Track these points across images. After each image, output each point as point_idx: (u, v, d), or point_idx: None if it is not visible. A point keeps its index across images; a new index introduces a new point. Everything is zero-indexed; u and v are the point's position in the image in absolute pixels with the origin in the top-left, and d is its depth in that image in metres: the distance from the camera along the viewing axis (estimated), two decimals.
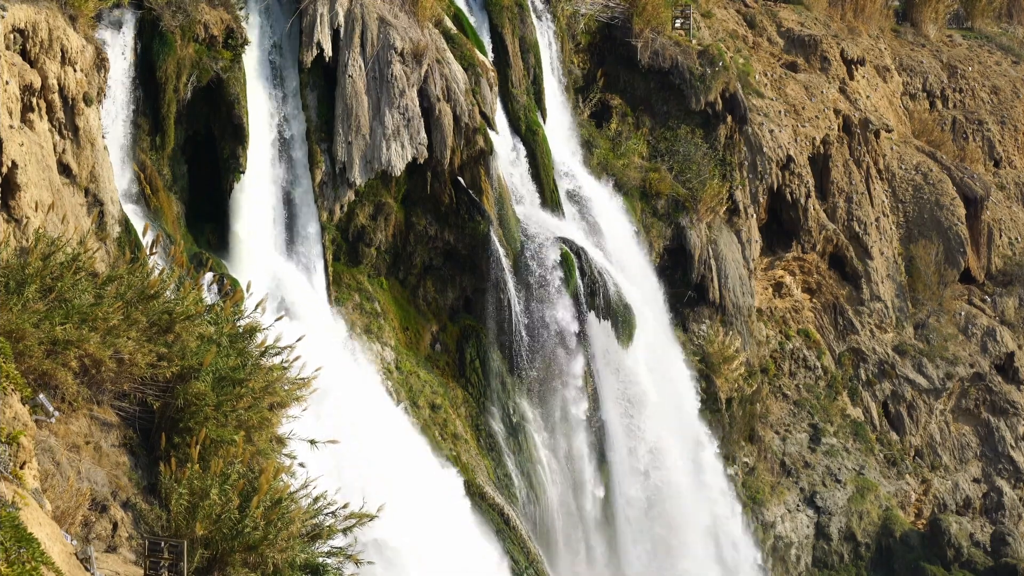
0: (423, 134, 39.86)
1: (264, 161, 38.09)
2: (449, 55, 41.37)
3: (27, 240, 25.21)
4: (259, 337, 23.58)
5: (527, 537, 40.10)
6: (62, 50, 30.58)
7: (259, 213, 37.93)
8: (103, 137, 32.68)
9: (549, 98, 47.38)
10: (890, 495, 54.51)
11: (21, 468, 17.12)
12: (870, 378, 57.10)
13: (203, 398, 21.07)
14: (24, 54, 29.88)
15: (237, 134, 36.86)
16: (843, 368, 56.89)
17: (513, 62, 45.39)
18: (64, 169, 30.90)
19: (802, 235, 55.74)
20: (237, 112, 36.66)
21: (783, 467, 53.01)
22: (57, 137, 30.78)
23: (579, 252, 43.66)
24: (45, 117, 30.33)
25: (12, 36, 29.39)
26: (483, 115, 41.68)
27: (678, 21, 53.79)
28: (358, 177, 39.29)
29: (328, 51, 38.79)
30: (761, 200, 54.13)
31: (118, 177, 33.91)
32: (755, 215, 53.49)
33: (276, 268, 37.86)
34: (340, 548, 21.14)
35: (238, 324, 23.73)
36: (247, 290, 30.61)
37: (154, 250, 25.22)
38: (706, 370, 49.03)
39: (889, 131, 61.04)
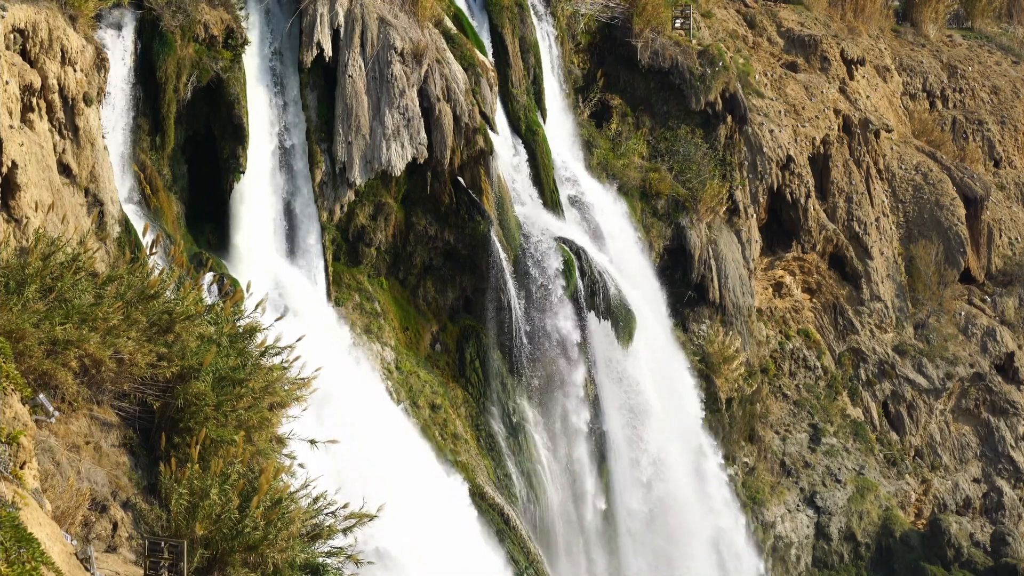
0: (423, 134, 39.86)
1: (264, 161, 38.09)
2: (449, 55, 41.37)
3: (27, 240, 25.20)
4: (259, 337, 23.57)
5: (527, 537, 40.10)
6: (62, 50, 30.58)
7: (259, 213, 37.93)
8: (103, 137, 32.68)
9: (549, 98, 47.38)
10: (890, 495, 54.51)
11: (21, 468, 17.12)
12: (870, 378, 57.11)
13: (203, 398, 21.06)
14: (24, 54, 29.88)
15: (237, 134, 36.85)
16: (843, 368, 56.90)
17: (513, 62, 45.39)
18: (64, 169, 30.90)
19: (802, 235, 55.74)
20: (237, 112, 36.66)
21: (783, 467, 53.02)
22: (57, 137, 30.78)
23: (579, 252, 43.66)
24: (45, 117, 30.34)
25: (12, 36, 29.39)
26: (483, 115, 41.68)
27: (678, 21, 53.79)
28: (358, 177, 39.29)
29: (328, 51, 38.79)
30: (761, 200, 54.13)
31: (118, 177, 33.90)
32: (755, 215, 53.50)
33: (276, 268, 37.85)
34: (340, 548, 21.13)
35: (238, 324, 23.73)
36: (247, 290, 30.60)
37: (154, 250, 25.20)
38: (706, 370, 49.02)
39: (889, 131, 61.05)
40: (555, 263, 42.53)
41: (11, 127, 28.12)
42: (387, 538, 31.67)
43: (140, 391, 21.79)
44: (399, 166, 39.57)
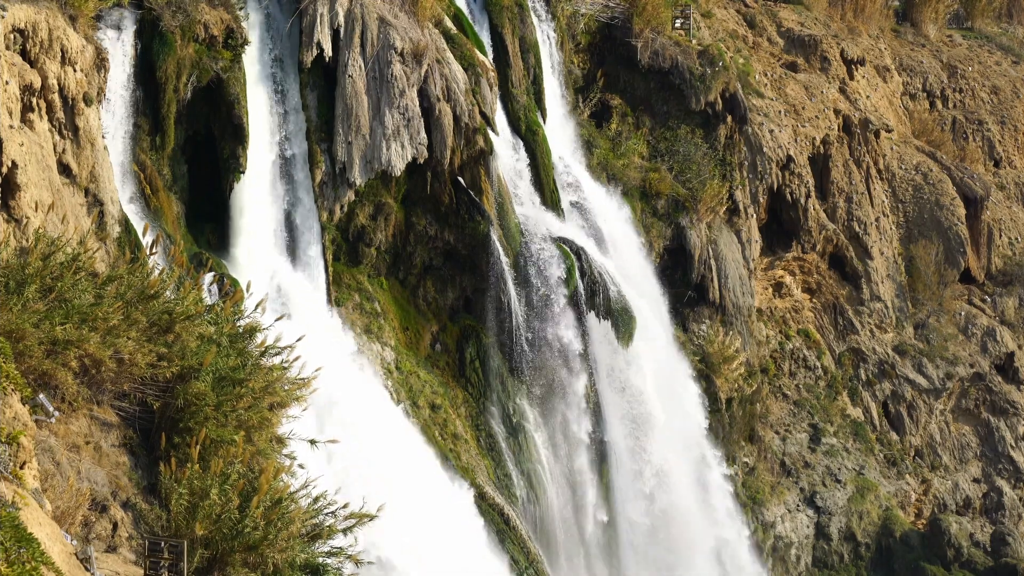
0: (423, 134, 39.86)
1: (264, 161, 38.09)
2: (449, 55, 41.37)
3: (27, 240, 25.20)
4: (259, 337, 23.56)
5: (527, 537, 40.10)
6: (62, 50, 30.58)
7: (259, 213, 37.92)
8: (103, 137, 32.68)
9: (549, 98, 47.37)
10: (890, 495, 54.51)
11: (21, 468, 17.12)
12: (870, 378, 57.10)
13: (203, 398, 21.06)
14: (24, 54, 29.88)
15: (237, 134, 36.86)
16: (843, 368, 56.89)
17: (513, 62, 45.38)
18: (64, 169, 30.91)
19: (802, 235, 55.74)
20: (237, 112, 36.66)
21: (783, 467, 53.01)
22: (57, 137, 30.78)
23: (579, 252, 43.66)
24: (45, 117, 30.34)
25: (12, 36, 29.40)
26: (483, 115, 41.68)
27: (678, 21, 53.79)
28: (358, 177, 39.29)
29: (328, 51, 38.79)
30: (761, 200, 54.13)
31: (118, 177, 33.90)
32: (755, 215, 53.49)
33: (276, 268, 37.86)
34: (340, 548, 21.13)
35: (238, 324, 23.72)
36: (247, 290, 30.60)
37: (154, 250, 25.20)
38: (706, 370, 49.00)
39: (889, 131, 61.04)
40: (557, 271, 42.45)
41: (11, 127, 28.13)
42: (390, 546, 31.54)
43: (140, 391, 21.79)
44: (399, 166, 39.57)
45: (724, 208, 51.34)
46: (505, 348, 42.32)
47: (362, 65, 39.32)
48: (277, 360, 23.34)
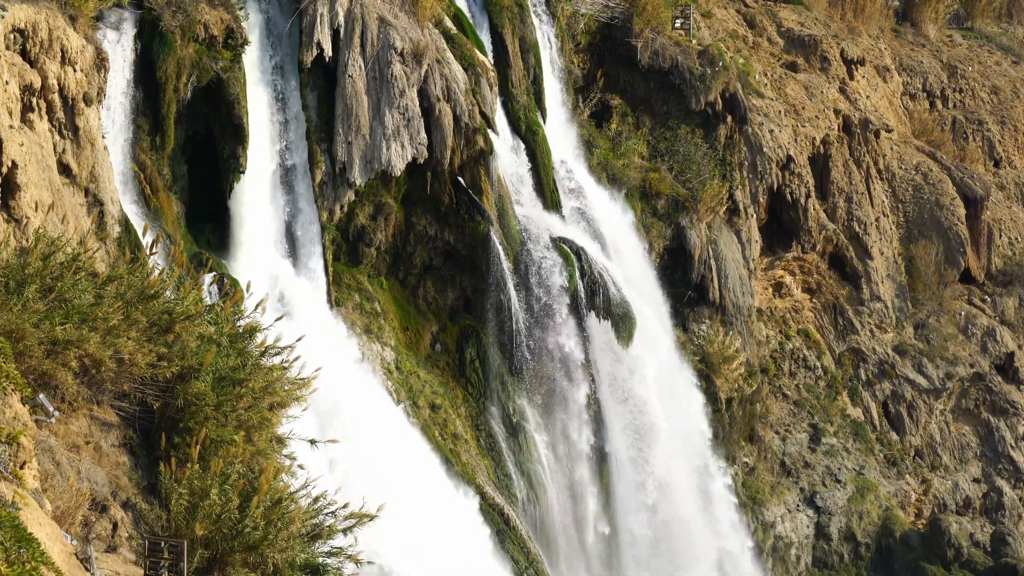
0: (423, 134, 39.86)
1: (264, 161, 38.09)
2: (449, 55, 41.37)
3: (27, 240, 25.20)
4: (259, 337, 23.56)
5: (527, 537, 40.09)
6: (62, 50, 30.58)
7: (259, 213, 37.92)
8: (103, 137, 32.68)
9: (549, 98, 47.37)
10: (890, 495, 54.51)
11: (21, 468, 17.12)
12: (870, 378, 57.10)
13: (203, 398, 21.06)
14: (24, 54, 29.88)
15: (237, 134, 36.86)
16: (843, 368, 56.89)
17: (513, 62, 45.38)
18: (64, 169, 30.91)
19: (802, 235, 55.74)
20: (237, 112, 36.66)
21: (783, 467, 53.01)
22: (57, 137, 30.79)
23: (579, 252, 43.65)
24: (45, 117, 30.34)
25: (12, 36, 29.40)
26: (483, 115, 41.68)
27: (678, 21, 53.78)
28: (358, 177, 39.28)
29: (328, 51, 38.79)
30: (761, 200, 54.12)
31: (118, 177, 33.90)
32: (755, 215, 53.49)
33: (276, 268, 37.86)
34: (340, 548, 21.12)
35: (238, 324, 23.72)
36: (247, 290, 30.60)
37: (154, 250, 25.20)
38: (706, 370, 48.98)
39: (889, 131, 61.04)
40: (559, 279, 42.37)
41: (11, 127, 28.13)
42: (391, 552, 31.41)
43: (140, 391, 21.79)
44: (399, 166, 39.57)
45: (724, 208, 51.35)
46: (505, 348, 42.32)
47: (362, 65, 39.32)
48: (277, 360, 23.34)
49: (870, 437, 55.79)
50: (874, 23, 65.91)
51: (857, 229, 57.61)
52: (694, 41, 52.92)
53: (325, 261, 39.21)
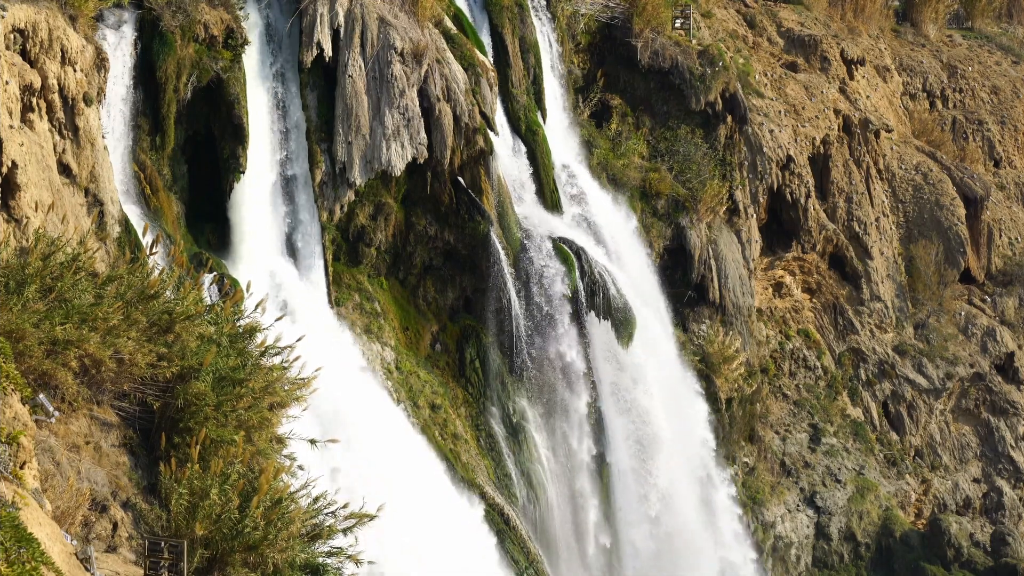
0: (423, 134, 39.86)
1: (264, 161, 38.09)
2: (449, 55, 41.37)
3: (27, 240, 25.20)
4: (259, 337, 23.56)
5: (527, 537, 40.09)
6: (62, 50, 30.58)
7: (259, 213, 37.92)
8: (103, 137, 32.68)
9: (549, 98, 47.37)
10: (890, 495, 54.51)
11: (21, 468, 17.12)
12: (870, 378, 57.10)
13: (203, 398, 21.06)
14: (24, 54, 29.88)
15: (237, 134, 36.86)
16: (843, 368, 56.89)
17: (513, 62, 45.38)
18: (64, 169, 30.90)
19: (802, 235, 55.74)
20: (237, 112, 36.66)
21: (783, 467, 53.00)
22: (57, 137, 30.78)
23: (579, 252, 43.64)
24: (45, 117, 30.34)
25: (12, 36, 29.40)
26: (483, 115, 41.68)
27: (678, 21, 53.78)
28: (358, 177, 39.28)
29: (328, 51, 38.79)
30: (761, 200, 54.13)
31: (118, 177, 33.90)
32: (755, 215, 53.49)
33: (276, 268, 37.85)
34: (340, 548, 21.12)
35: (238, 324, 23.72)
36: (247, 290, 30.60)
37: (154, 250, 25.20)
38: (706, 370, 48.98)
39: (889, 131, 61.05)
40: (561, 288, 42.30)
41: (11, 127, 28.13)
42: (391, 555, 31.29)
43: (140, 391, 21.79)
44: (399, 166, 39.57)
45: (724, 208, 51.34)
46: (505, 348, 42.31)
47: (362, 65, 39.32)
48: (277, 360, 23.34)
49: (870, 437, 55.79)
50: (874, 23, 65.92)
51: (857, 229, 57.61)
52: (694, 41, 52.92)
53: (325, 261, 39.21)
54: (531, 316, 42.11)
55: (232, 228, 37.36)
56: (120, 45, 34.74)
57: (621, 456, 43.74)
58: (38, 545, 15.21)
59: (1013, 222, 64.58)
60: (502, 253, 41.73)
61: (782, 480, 52.66)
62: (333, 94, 39.26)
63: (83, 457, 20.40)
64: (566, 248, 43.30)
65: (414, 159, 39.91)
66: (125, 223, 32.74)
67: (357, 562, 21.15)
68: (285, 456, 22.99)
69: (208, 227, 37.40)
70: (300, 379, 23.30)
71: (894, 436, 56.73)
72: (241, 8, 37.80)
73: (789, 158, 54.60)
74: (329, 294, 39.31)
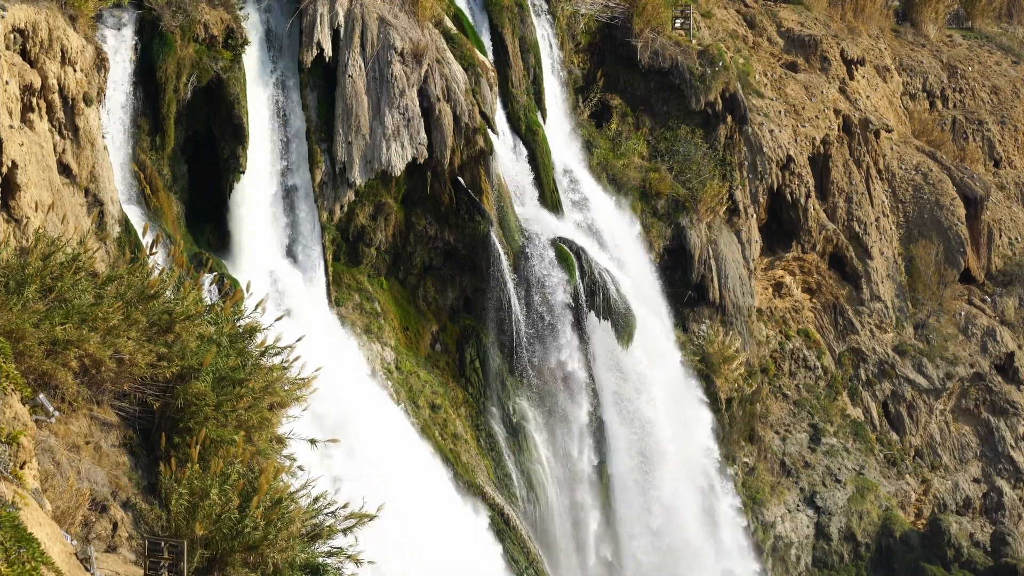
0: (423, 134, 39.86)
1: (264, 161, 38.08)
2: (449, 55, 41.37)
3: (27, 240, 25.21)
4: (259, 337, 23.56)
5: (527, 537, 40.08)
6: (62, 50, 30.58)
7: (259, 213, 37.91)
8: (103, 137, 32.68)
9: (549, 98, 47.37)
10: (890, 495, 54.50)
11: (21, 468, 17.12)
12: (870, 378, 57.10)
13: (203, 398, 21.06)
14: (24, 54, 29.88)
15: (237, 134, 36.86)
16: (843, 368, 56.89)
17: (513, 62, 45.39)
18: (64, 169, 30.90)
19: (802, 235, 55.74)
20: (237, 112, 36.66)
21: (783, 467, 53.00)
22: (57, 137, 30.78)
23: (579, 252, 43.64)
24: (45, 117, 30.34)
25: (12, 36, 29.39)
26: (483, 115, 41.68)
27: (678, 21, 53.79)
28: (358, 177, 39.28)
29: (328, 51, 38.78)
30: (761, 200, 54.13)
31: (118, 177, 33.90)
32: (755, 215, 53.49)
33: (276, 268, 37.85)
34: (340, 548, 21.12)
35: (238, 324, 23.72)
36: (247, 290, 30.60)
37: (154, 250, 25.20)
38: (706, 370, 48.97)
39: (889, 131, 61.05)
40: (562, 296, 42.24)
41: (11, 127, 28.13)
42: (392, 557, 31.24)
43: (140, 391, 21.79)
44: (399, 166, 39.57)
45: (724, 208, 51.34)
46: (505, 348, 42.31)
47: (362, 65, 39.32)
48: (277, 360, 23.34)
49: (870, 437, 55.79)
50: (874, 23, 65.92)
51: (857, 229, 57.61)
52: (694, 41, 52.92)
53: (325, 261, 39.21)
54: (532, 324, 42.06)
55: (232, 228, 37.35)
56: (120, 45, 34.74)
57: (623, 467, 43.63)
58: (38, 545, 15.21)
59: (1013, 222, 64.59)
60: (502, 253, 41.73)
61: (782, 480, 52.66)
62: (333, 94, 39.26)
63: (83, 457, 20.40)
64: (566, 248, 43.28)
65: (414, 159, 39.91)
66: (125, 223, 32.74)
67: (357, 562, 21.15)
68: (285, 456, 22.99)
69: (208, 227, 37.40)
70: (300, 379, 23.30)
71: (894, 436, 56.73)
72: (241, 8, 37.80)
73: (789, 158, 54.60)
74: (329, 294, 39.31)
